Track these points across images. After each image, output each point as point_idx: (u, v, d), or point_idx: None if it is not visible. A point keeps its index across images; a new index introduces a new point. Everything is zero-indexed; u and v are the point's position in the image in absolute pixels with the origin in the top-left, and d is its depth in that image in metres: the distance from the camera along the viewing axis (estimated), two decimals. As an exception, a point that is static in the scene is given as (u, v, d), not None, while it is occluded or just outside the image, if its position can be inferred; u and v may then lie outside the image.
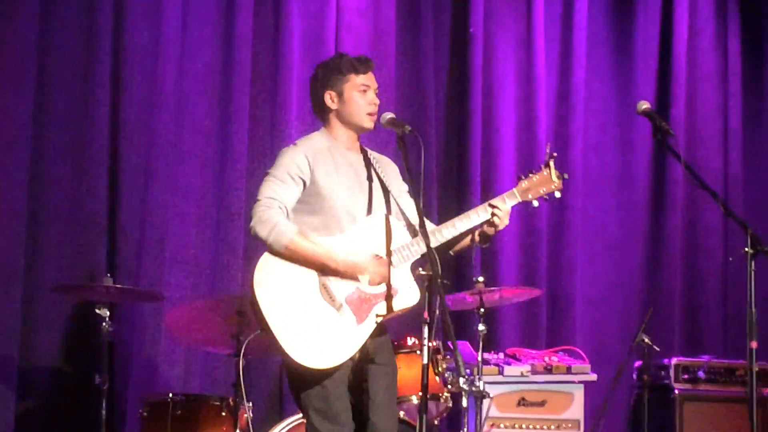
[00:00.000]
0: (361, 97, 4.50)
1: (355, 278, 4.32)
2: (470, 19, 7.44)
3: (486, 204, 4.48)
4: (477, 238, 4.51)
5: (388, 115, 4.45)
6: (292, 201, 4.39)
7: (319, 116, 4.61)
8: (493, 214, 4.44)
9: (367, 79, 4.53)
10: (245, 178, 6.67)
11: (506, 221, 4.47)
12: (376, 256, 4.37)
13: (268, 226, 4.29)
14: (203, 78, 6.76)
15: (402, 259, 4.36)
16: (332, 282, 4.32)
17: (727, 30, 8.08)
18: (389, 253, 4.32)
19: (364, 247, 4.36)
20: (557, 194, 4.58)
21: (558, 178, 4.55)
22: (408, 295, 4.34)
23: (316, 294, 4.31)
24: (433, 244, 4.30)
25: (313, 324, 4.26)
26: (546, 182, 4.54)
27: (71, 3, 6.53)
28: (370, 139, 4.91)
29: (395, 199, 4.51)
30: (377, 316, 4.29)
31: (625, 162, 7.86)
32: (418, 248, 4.36)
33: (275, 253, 4.31)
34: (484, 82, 7.45)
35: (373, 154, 4.61)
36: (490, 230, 4.46)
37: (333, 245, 4.33)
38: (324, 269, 4.31)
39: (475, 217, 4.44)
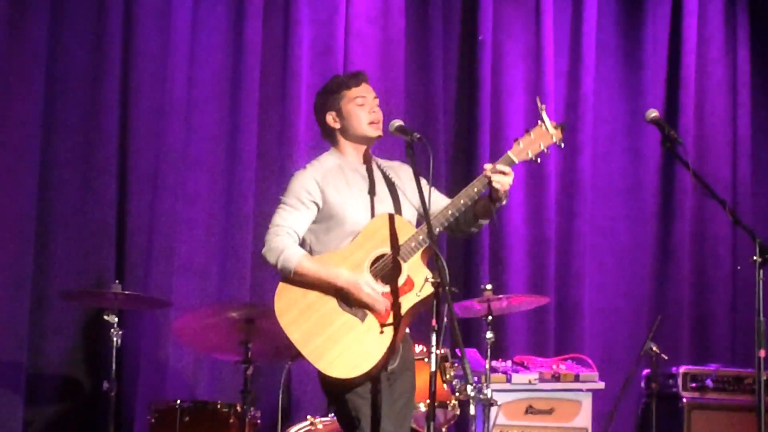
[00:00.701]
0: (359, 109, 4.52)
1: (362, 312, 4.31)
2: (479, 28, 7.44)
3: (482, 175, 4.37)
4: (489, 202, 4.40)
5: (397, 123, 4.45)
6: (304, 225, 4.45)
7: (328, 140, 4.63)
8: (491, 181, 4.33)
9: (361, 91, 4.55)
10: (254, 185, 6.69)
11: (509, 181, 4.34)
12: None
13: (276, 253, 4.36)
14: (212, 85, 6.77)
15: (410, 253, 4.34)
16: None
17: (736, 39, 8.06)
18: (396, 249, 4.32)
19: (370, 251, 4.36)
20: (560, 144, 4.46)
21: (555, 128, 4.43)
22: (425, 284, 4.27)
23: (336, 308, 4.33)
24: (439, 227, 4.31)
25: (340, 337, 4.29)
26: (543, 136, 4.42)
27: (80, 10, 6.55)
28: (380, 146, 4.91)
29: (410, 203, 4.52)
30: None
31: (633, 170, 7.84)
32: (425, 237, 4.33)
33: (286, 279, 4.37)
34: (492, 90, 7.45)
35: (383, 163, 4.62)
36: (497, 194, 4.36)
37: (337, 263, 4.34)
38: (332, 288, 4.34)
39: (474, 191, 4.36)
